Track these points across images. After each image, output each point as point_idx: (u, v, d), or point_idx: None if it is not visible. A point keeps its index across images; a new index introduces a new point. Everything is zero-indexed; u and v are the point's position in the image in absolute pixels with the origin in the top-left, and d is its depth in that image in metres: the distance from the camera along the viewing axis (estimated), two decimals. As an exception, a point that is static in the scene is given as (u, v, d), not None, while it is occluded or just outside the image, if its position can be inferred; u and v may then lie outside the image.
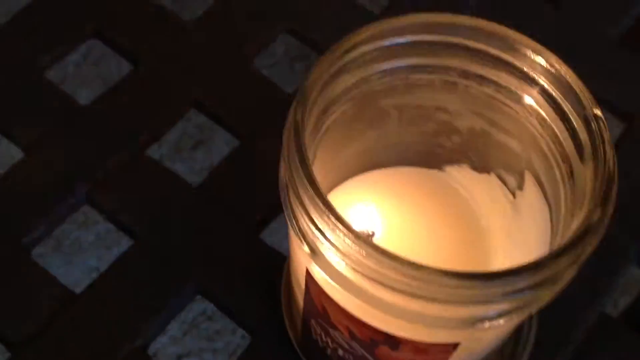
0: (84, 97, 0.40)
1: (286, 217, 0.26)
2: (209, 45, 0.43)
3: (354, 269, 0.24)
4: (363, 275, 0.24)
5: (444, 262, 0.31)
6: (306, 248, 0.25)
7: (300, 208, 0.25)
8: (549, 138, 0.28)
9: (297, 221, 0.25)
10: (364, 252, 0.23)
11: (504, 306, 0.24)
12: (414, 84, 0.30)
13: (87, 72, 0.41)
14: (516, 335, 0.35)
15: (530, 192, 0.30)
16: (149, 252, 0.37)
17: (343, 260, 0.24)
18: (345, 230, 0.23)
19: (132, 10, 0.43)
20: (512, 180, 0.31)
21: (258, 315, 0.35)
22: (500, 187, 0.32)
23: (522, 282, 0.23)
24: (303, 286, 0.29)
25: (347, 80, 0.28)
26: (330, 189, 0.32)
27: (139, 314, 0.35)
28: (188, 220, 0.38)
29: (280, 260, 0.36)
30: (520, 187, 0.31)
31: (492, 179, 0.32)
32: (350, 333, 0.28)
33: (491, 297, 0.24)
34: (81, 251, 0.36)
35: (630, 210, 0.39)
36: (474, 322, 0.25)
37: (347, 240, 0.23)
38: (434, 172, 0.33)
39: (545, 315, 0.34)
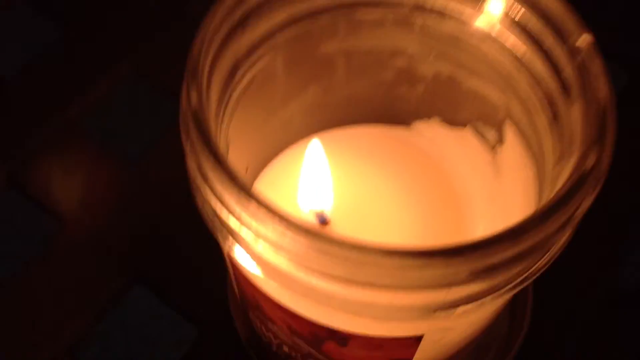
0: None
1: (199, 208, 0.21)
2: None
3: (278, 255, 0.19)
4: (290, 261, 0.19)
5: (413, 240, 0.26)
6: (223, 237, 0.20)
7: (214, 199, 0.19)
8: (527, 79, 0.23)
9: (211, 212, 0.20)
10: (286, 233, 0.18)
11: (473, 288, 0.19)
12: (360, 23, 0.24)
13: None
14: (510, 313, 0.30)
15: (512, 147, 0.25)
16: (79, 239, 0.32)
17: (264, 245, 0.19)
18: (267, 212, 0.18)
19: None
20: (491, 134, 0.26)
21: (205, 308, 0.30)
22: (478, 143, 0.27)
23: (495, 257, 0.18)
24: (233, 275, 0.24)
25: (262, 25, 0.23)
26: (269, 157, 0.27)
27: (69, 308, 0.31)
28: (124, 202, 0.33)
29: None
30: (501, 141, 0.26)
31: (468, 134, 0.27)
32: (290, 328, 0.23)
33: (454, 278, 0.18)
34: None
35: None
36: (435, 310, 0.19)
37: (272, 225, 0.18)
38: (398, 130, 0.28)
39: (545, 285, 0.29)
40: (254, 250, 0.19)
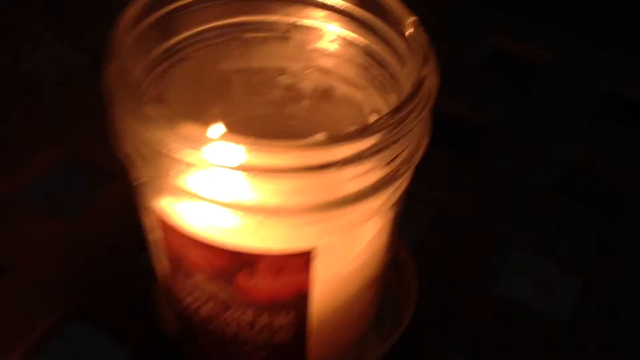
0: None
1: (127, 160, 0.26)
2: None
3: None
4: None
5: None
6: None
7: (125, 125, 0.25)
8: (378, 69, 0.30)
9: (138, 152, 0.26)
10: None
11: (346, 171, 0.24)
12: (249, 42, 0.31)
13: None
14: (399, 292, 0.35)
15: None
16: (20, 282, 0.36)
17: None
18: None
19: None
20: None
21: (137, 331, 0.35)
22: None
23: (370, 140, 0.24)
24: (161, 247, 0.29)
25: (173, 35, 0.29)
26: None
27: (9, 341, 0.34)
28: (60, 249, 0.38)
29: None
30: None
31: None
32: (208, 270, 0.27)
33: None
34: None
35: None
36: (322, 207, 0.25)
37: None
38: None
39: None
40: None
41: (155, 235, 0.29)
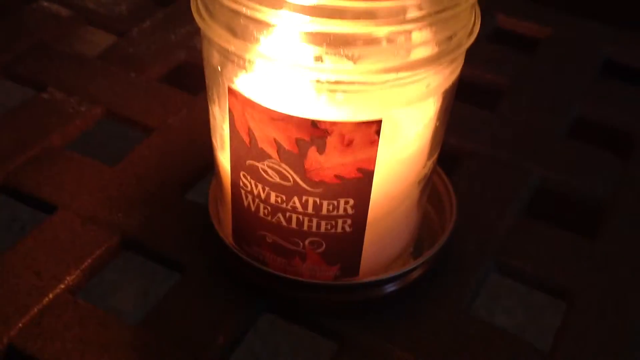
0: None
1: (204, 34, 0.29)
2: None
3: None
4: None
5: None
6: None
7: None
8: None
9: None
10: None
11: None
12: None
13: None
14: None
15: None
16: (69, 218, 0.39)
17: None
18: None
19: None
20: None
21: (187, 254, 0.37)
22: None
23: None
24: (227, 136, 0.31)
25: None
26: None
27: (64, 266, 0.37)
28: (105, 190, 0.40)
29: (204, 209, 0.37)
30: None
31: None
32: (279, 149, 0.29)
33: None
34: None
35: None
36: (393, 69, 0.27)
37: None
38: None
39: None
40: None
41: (230, 120, 0.31)
